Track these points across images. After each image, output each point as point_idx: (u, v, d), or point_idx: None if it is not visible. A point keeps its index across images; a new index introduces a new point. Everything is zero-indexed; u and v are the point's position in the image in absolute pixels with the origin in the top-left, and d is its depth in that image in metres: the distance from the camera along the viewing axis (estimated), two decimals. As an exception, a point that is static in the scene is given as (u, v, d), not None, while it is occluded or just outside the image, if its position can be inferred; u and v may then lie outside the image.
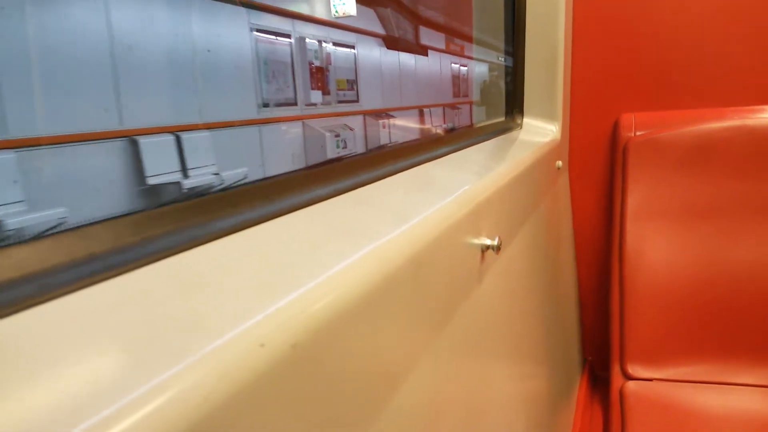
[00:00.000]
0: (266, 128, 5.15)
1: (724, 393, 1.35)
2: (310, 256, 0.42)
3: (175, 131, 3.98)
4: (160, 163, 3.77)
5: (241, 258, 0.41)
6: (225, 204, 0.45)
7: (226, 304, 0.33)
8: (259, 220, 0.46)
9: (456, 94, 9.96)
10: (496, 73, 1.80)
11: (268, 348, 0.31)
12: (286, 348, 0.32)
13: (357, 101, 6.43)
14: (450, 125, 9.05)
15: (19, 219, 2.85)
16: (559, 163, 1.47)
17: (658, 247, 1.49)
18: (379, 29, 7.06)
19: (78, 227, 0.35)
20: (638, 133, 1.53)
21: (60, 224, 2.98)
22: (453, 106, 9.57)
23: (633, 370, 1.44)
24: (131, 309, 0.32)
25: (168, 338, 0.29)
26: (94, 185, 3.36)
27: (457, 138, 1.12)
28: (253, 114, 5.01)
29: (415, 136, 7.80)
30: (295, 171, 0.54)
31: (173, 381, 0.26)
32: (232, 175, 4.38)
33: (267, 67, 5.17)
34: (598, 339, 1.70)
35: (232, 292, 0.35)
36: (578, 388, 1.66)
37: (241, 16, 4.87)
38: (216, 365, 0.28)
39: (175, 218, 0.40)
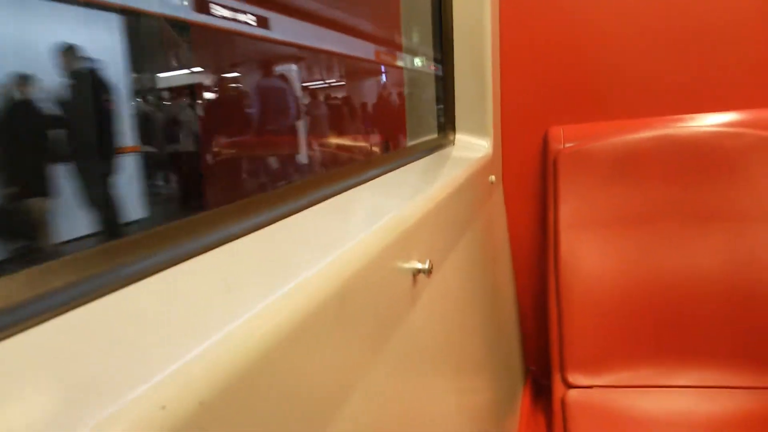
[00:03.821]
0: None
1: (661, 396, 1.40)
2: (222, 301, 0.40)
3: None
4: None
5: (146, 308, 0.38)
6: (130, 249, 0.42)
7: (125, 362, 0.31)
8: (168, 264, 0.44)
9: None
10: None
11: (170, 410, 0.29)
12: (193, 406, 0.30)
13: None
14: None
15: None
16: (492, 177, 1.49)
17: (591, 255, 1.53)
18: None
19: None
20: (567, 145, 1.58)
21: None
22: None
23: (573, 378, 1.47)
24: (18, 375, 0.29)
25: (61, 406, 0.27)
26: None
27: (389, 158, 1.12)
28: None
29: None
30: (208, 209, 0.51)
31: None
32: None
33: None
34: (539, 348, 1.73)
35: (133, 348, 0.33)
36: (522, 398, 1.68)
37: None
38: None
39: (74, 268, 0.38)
